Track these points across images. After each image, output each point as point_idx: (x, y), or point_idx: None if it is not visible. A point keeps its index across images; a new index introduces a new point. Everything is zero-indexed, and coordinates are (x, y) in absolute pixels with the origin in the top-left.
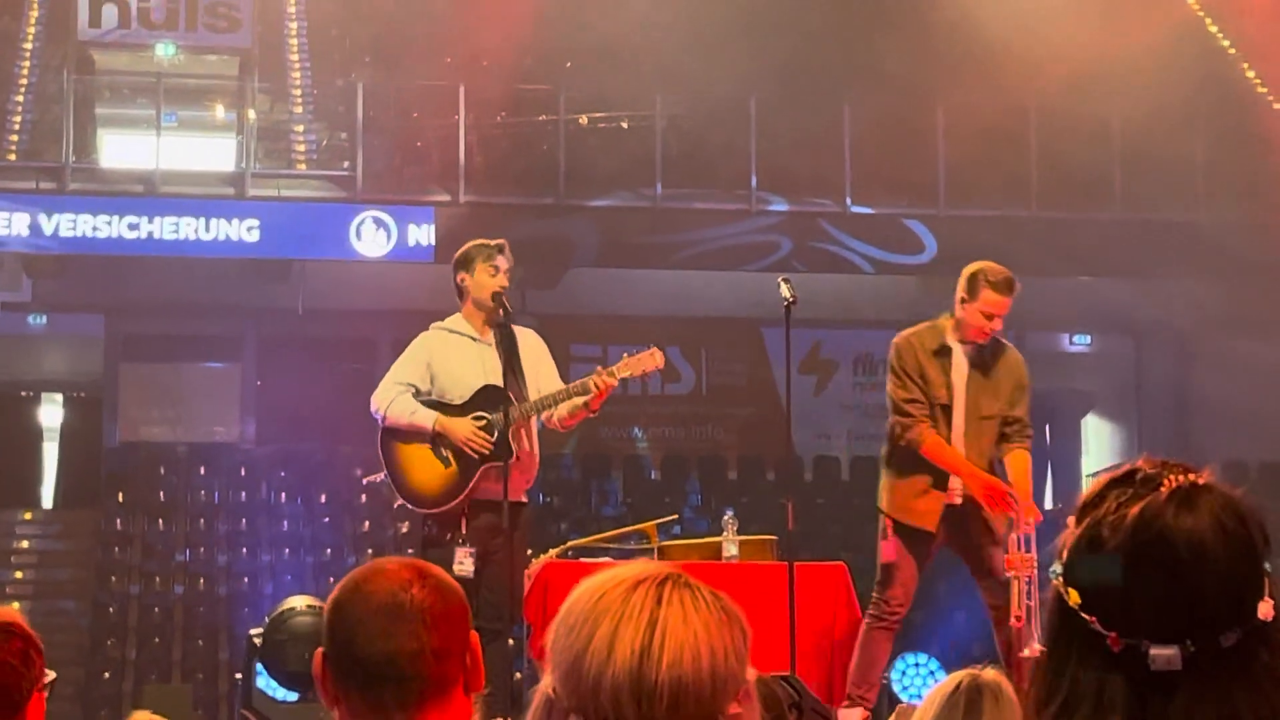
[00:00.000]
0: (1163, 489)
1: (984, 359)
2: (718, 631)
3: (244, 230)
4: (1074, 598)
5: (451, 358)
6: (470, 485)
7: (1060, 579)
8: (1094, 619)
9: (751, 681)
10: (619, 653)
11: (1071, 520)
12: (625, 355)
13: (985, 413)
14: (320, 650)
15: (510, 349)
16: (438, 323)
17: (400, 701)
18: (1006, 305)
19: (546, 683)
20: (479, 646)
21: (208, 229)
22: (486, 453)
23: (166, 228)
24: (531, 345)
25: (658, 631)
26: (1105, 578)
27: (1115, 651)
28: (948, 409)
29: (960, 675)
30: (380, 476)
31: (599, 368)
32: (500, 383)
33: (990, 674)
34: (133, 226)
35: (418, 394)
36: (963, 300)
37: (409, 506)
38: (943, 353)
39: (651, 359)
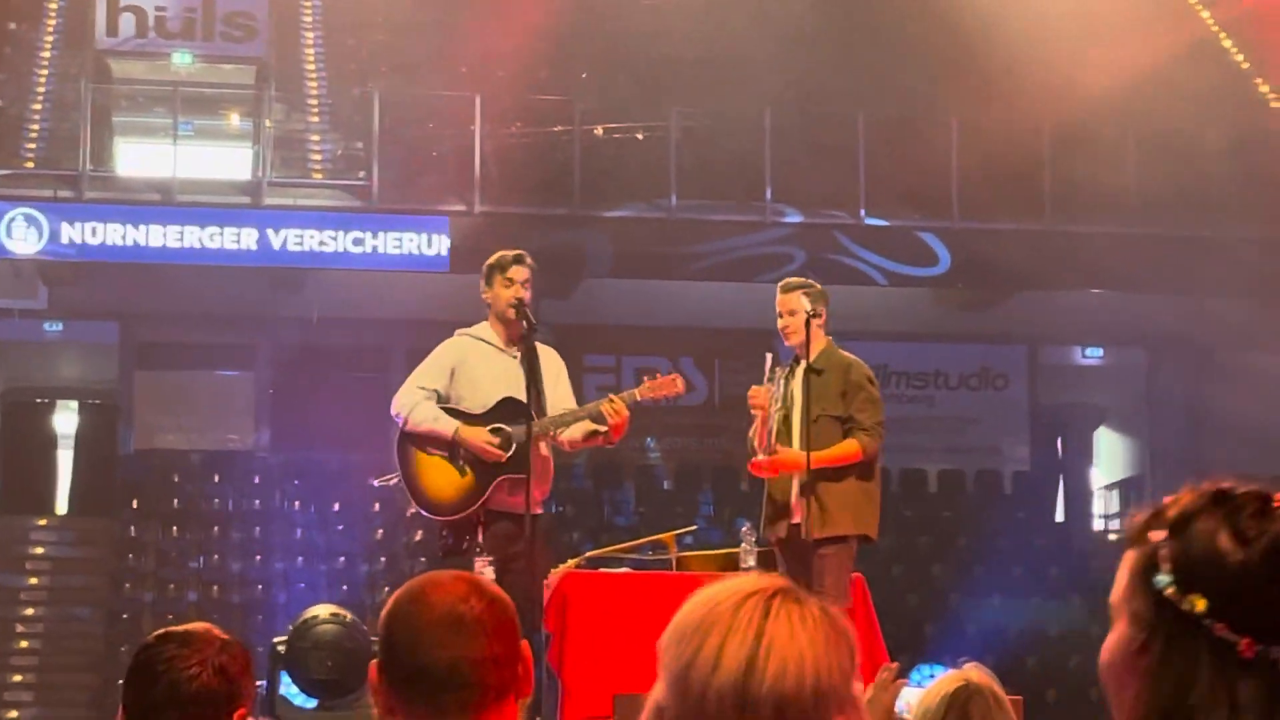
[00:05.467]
0: (1278, 506)
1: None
2: (823, 646)
3: (259, 239)
4: (1200, 605)
5: (476, 365)
6: (486, 495)
7: (1174, 588)
8: (1224, 626)
9: (858, 696)
10: (725, 665)
11: (1156, 535)
12: (645, 379)
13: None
14: (375, 661)
15: (533, 364)
16: (464, 329)
17: (461, 707)
18: (785, 303)
19: (658, 692)
20: (530, 655)
21: (223, 237)
22: (499, 463)
23: (182, 236)
24: (552, 363)
25: (763, 645)
26: (1241, 586)
27: (1248, 658)
28: None
29: (950, 678)
30: (393, 479)
31: (610, 395)
32: (523, 396)
33: (979, 676)
34: (149, 235)
35: (439, 400)
36: None
37: (422, 513)
38: None
39: (672, 384)
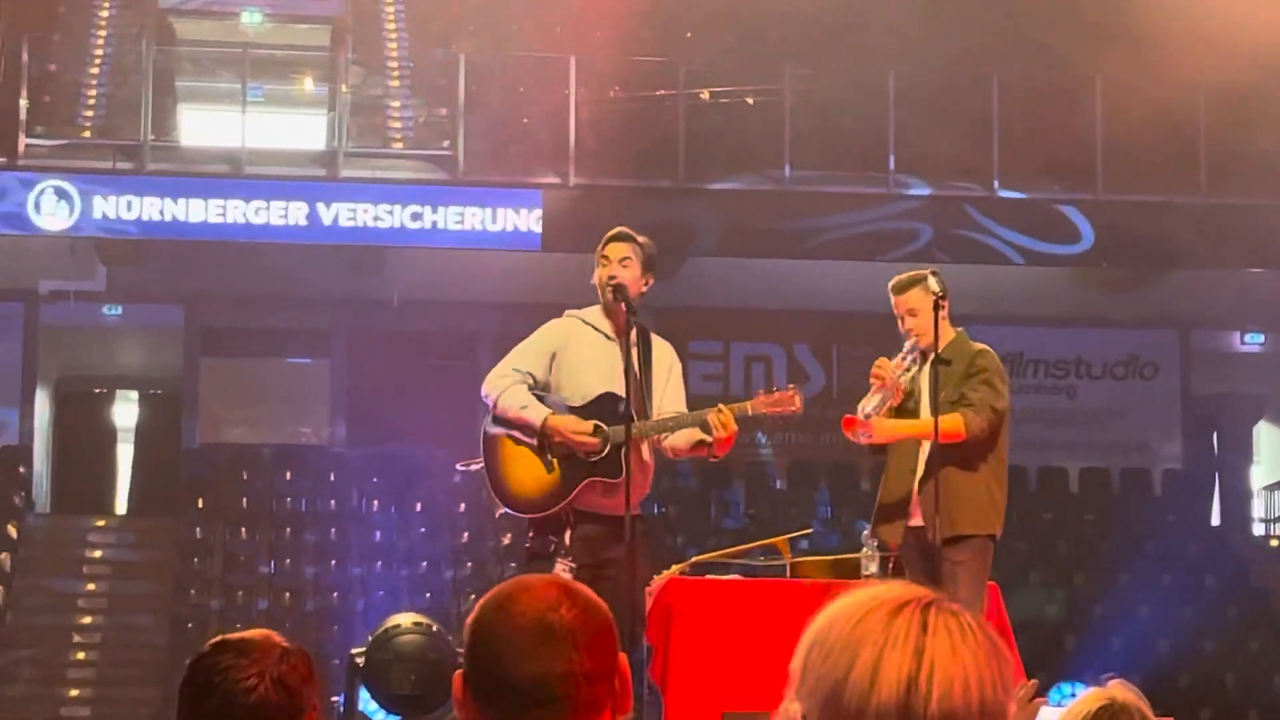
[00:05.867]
0: None
1: None
2: (985, 662)
3: (335, 214)
4: None
5: (581, 353)
6: (572, 495)
7: None
8: None
9: (1015, 712)
10: (884, 683)
11: None
12: (760, 393)
13: None
14: (459, 672)
15: (645, 358)
16: (573, 311)
17: None
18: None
19: (793, 711)
20: (628, 669)
21: (296, 213)
22: (589, 457)
23: (252, 211)
24: (664, 358)
25: (925, 662)
26: None
27: None
28: None
29: (1093, 697)
30: (476, 464)
31: (719, 405)
32: (623, 391)
33: (1125, 694)
34: (216, 210)
35: (534, 385)
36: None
37: (502, 508)
38: None
39: (790, 401)
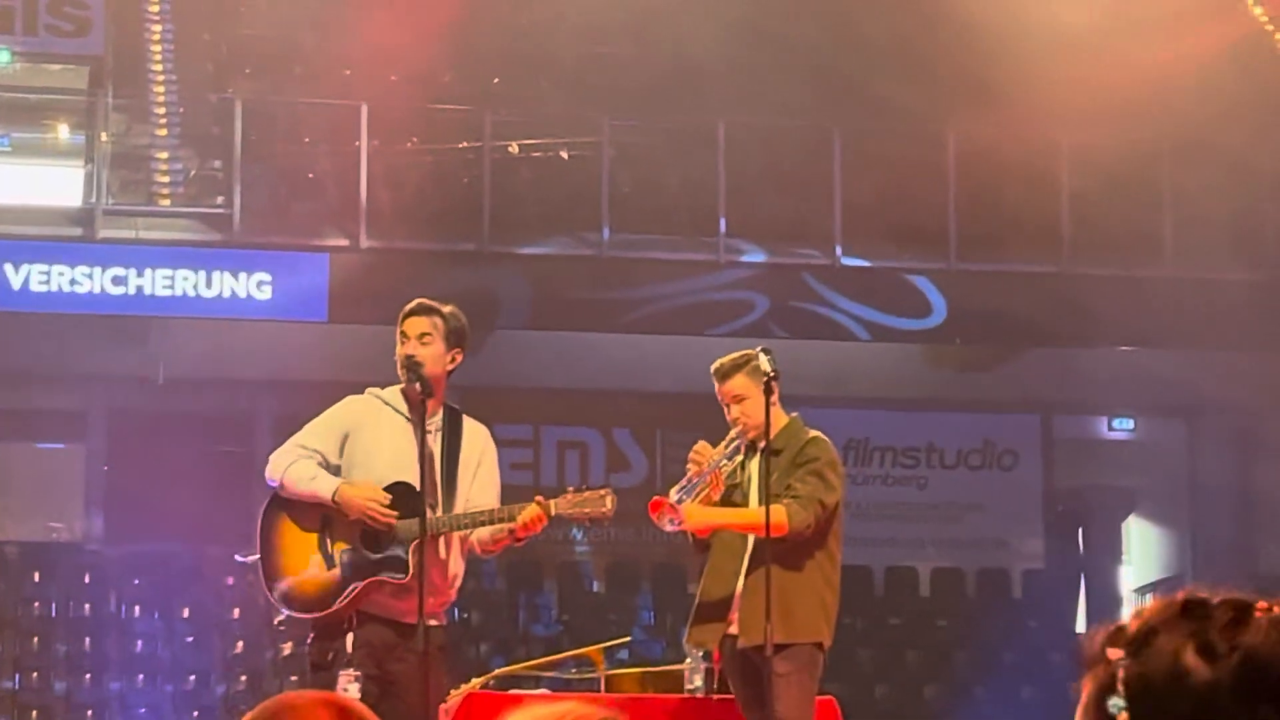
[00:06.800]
0: (1259, 616)
1: None
2: None
3: (93, 280)
4: None
5: (379, 436)
6: (352, 594)
7: (1126, 714)
8: None
9: None
10: None
11: (1115, 654)
12: (570, 490)
13: None
14: None
15: (451, 444)
16: (375, 389)
17: None
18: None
19: None
20: None
21: (48, 278)
22: (384, 527)
23: None
24: (475, 446)
25: None
26: (1206, 709)
27: None
28: None
29: None
30: (255, 556)
31: (538, 497)
32: (417, 483)
33: None
34: None
35: (325, 466)
36: None
37: (283, 611)
38: None
39: (600, 503)
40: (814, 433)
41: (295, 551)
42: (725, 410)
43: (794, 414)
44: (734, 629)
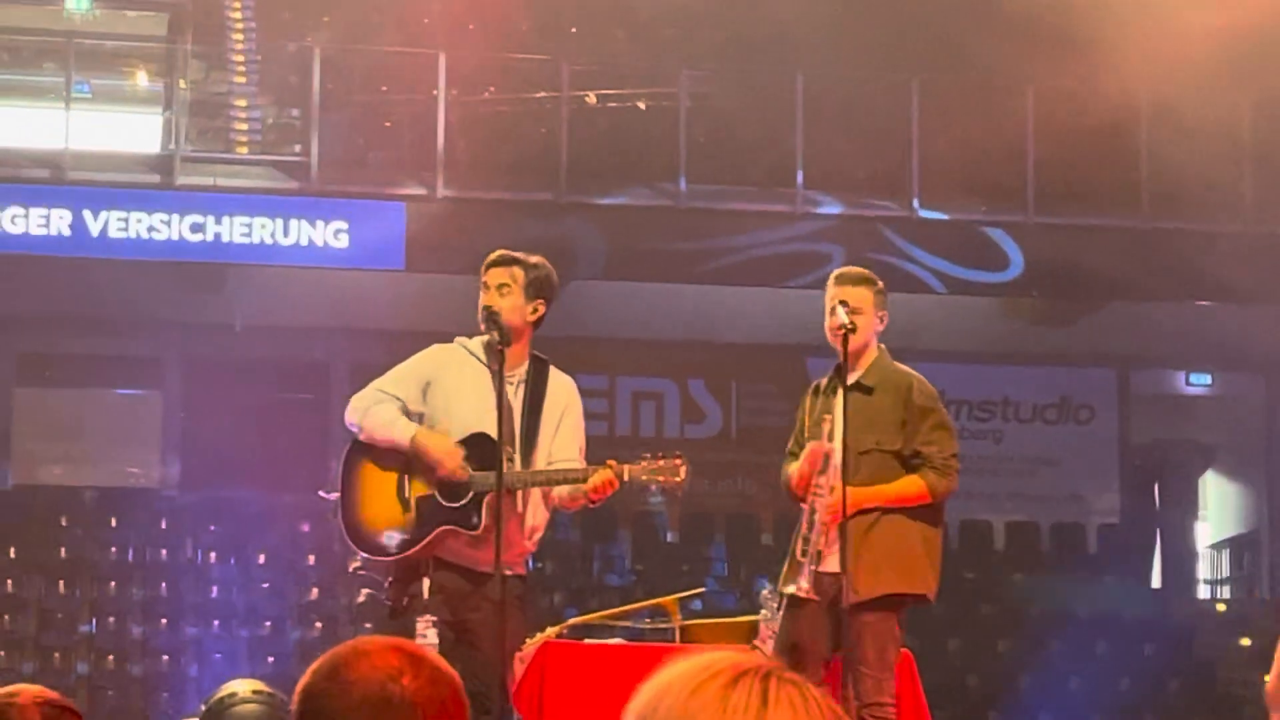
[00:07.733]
0: None
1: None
2: None
3: (171, 227)
4: None
5: (462, 385)
6: (425, 540)
7: None
8: None
9: None
10: None
11: None
12: (644, 458)
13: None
14: None
15: (535, 396)
16: (462, 338)
17: None
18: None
19: None
20: None
21: (126, 225)
22: (459, 482)
23: (75, 222)
24: (559, 399)
25: None
26: None
27: None
28: None
29: None
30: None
31: (610, 461)
32: (495, 433)
33: None
34: (36, 221)
35: (405, 413)
36: None
37: (358, 558)
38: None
39: (674, 472)
40: (907, 370)
41: (375, 495)
42: (829, 314)
43: (882, 344)
44: (826, 566)
